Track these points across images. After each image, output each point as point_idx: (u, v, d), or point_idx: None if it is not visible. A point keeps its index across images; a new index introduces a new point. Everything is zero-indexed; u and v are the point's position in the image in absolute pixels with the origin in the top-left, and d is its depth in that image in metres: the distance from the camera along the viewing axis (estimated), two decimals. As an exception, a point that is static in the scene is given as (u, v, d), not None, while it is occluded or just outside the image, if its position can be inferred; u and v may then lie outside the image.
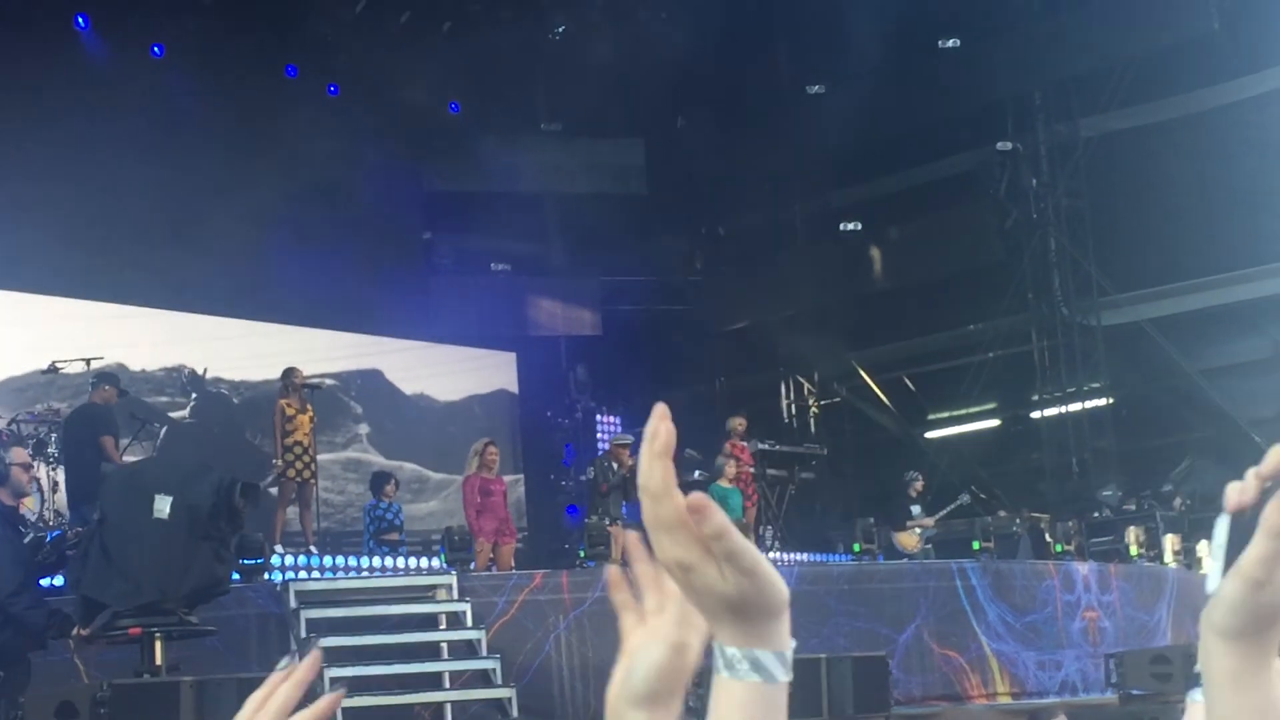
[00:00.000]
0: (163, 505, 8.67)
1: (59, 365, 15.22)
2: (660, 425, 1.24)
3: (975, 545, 16.31)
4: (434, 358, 21.24)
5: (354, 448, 20.11)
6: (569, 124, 21.42)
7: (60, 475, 13.39)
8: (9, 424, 13.94)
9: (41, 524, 12.47)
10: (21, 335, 16.73)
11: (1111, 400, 21.03)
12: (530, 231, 21.58)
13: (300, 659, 1.55)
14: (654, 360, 22.41)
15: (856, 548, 15.75)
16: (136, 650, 8.77)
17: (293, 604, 11.16)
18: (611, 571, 1.45)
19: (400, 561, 14.15)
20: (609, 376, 22.37)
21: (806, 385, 24.09)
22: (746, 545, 1.21)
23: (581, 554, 14.31)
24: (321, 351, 18.96)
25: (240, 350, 18.94)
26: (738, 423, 17.21)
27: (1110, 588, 15.71)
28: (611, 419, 22.14)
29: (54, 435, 13.67)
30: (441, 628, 11.87)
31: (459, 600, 11.83)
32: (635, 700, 1.34)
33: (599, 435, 21.70)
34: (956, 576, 14.37)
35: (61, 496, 13.29)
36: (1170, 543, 17.60)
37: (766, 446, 18.87)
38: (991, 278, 20.77)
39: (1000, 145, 20.86)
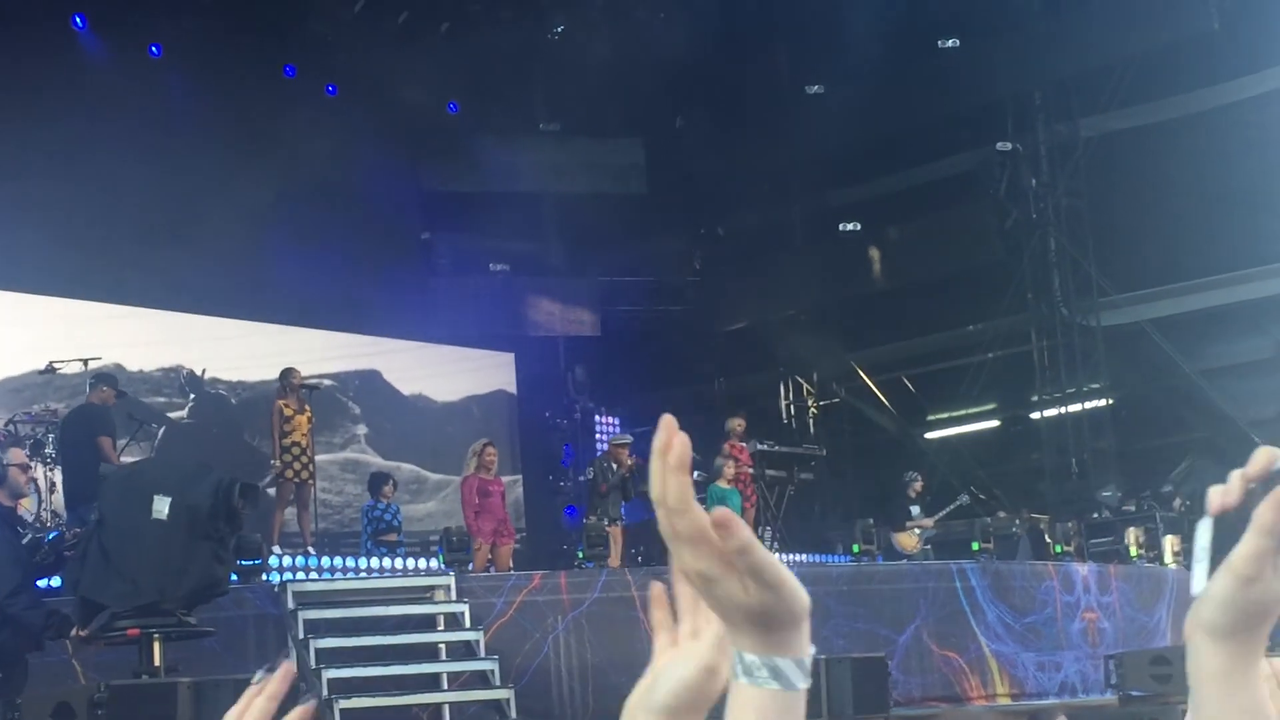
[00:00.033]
0: (161, 506, 8.66)
1: (56, 365, 15.19)
2: (673, 438, 1.22)
3: (975, 546, 16.27)
4: (432, 358, 21.21)
5: (352, 448, 20.09)
6: (568, 124, 21.40)
7: (58, 476, 13.36)
8: (6, 424, 13.91)
9: (39, 525, 12.44)
10: (19, 335, 16.71)
11: (1111, 401, 21.01)
12: (529, 232, 21.56)
13: (285, 668, 1.54)
14: (652, 361, 22.40)
15: (856, 548, 15.72)
16: (134, 651, 8.75)
17: (290, 605, 11.13)
18: (655, 588, 1.44)
19: (398, 562, 14.14)
20: (607, 377, 22.35)
21: (805, 386, 24.06)
22: (770, 559, 1.21)
23: (580, 555, 14.28)
24: (319, 352, 18.94)
25: (238, 351, 18.92)
26: (736, 423, 17.20)
27: (1110, 589, 15.69)
28: (610, 419, 22.12)
29: (51, 436, 13.65)
30: (440, 629, 11.85)
31: (457, 601, 11.80)
32: (654, 711, 1.33)
33: (597, 436, 21.68)
34: (956, 577, 14.35)
35: (59, 497, 13.26)
36: (1170, 543, 17.58)
37: (765, 447, 18.85)
38: (991, 278, 20.75)
39: (1000, 145, 20.83)
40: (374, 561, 13.82)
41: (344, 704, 10.45)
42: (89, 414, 13.02)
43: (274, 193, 17.76)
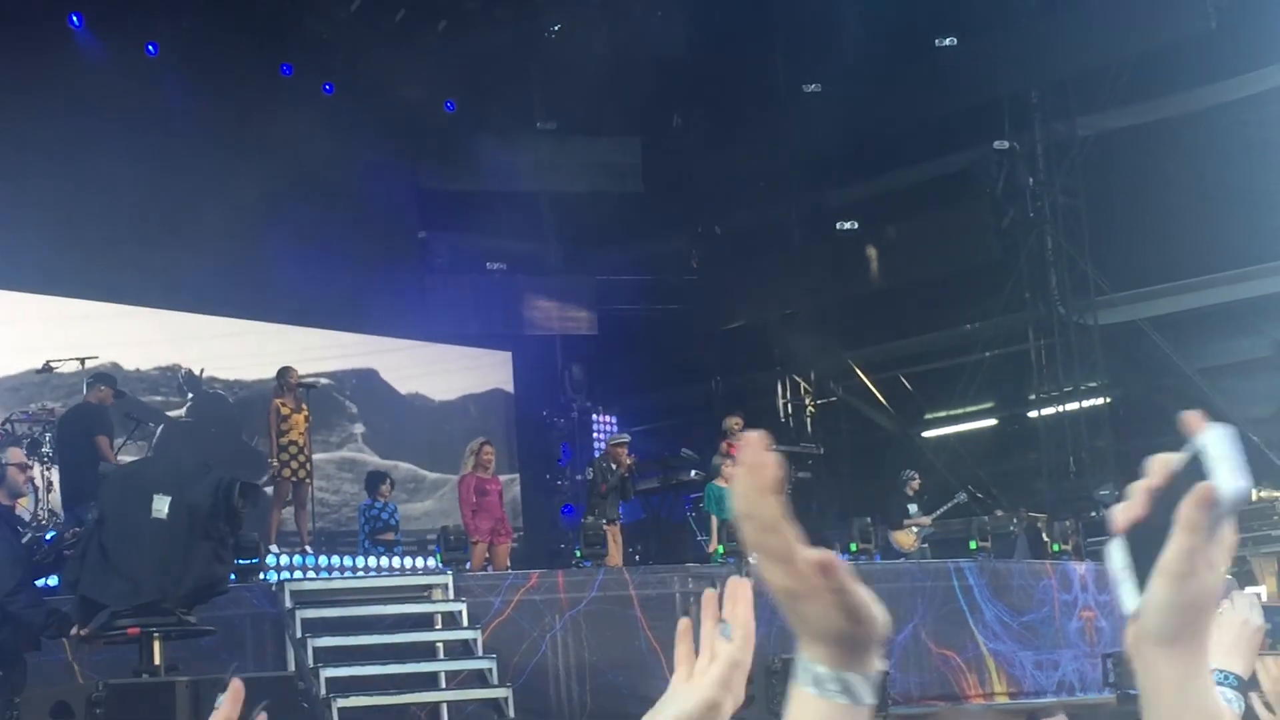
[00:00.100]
0: (161, 505, 8.65)
1: (53, 364, 15.19)
2: (765, 458, 1.24)
3: (972, 545, 16.28)
4: (429, 357, 21.20)
5: (349, 447, 20.08)
6: (565, 122, 21.39)
7: (55, 475, 13.35)
8: (3, 423, 13.89)
9: (37, 524, 12.43)
10: (15, 334, 16.70)
11: (1109, 399, 21.00)
12: (526, 230, 21.57)
13: (233, 688, 1.56)
14: (650, 359, 22.40)
15: (853, 547, 15.71)
16: (132, 650, 8.75)
17: (288, 604, 11.14)
18: (682, 624, 1.47)
19: (396, 561, 14.14)
20: (605, 376, 22.36)
21: (803, 384, 24.04)
22: (863, 598, 1.22)
23: (578, 554, 14.29)
24: (316, 351, 18.95)
25: (235, 349, 18.91)
26: (734, 422, 17.18)
27: (1107, 587, 15.66)
28: (607, 418, 22.14)
29: (49, 435, 13.64)
30: (437, 627, 11.86)
31: (455, 600, 11.81)
32: None
33: (595, 434, 21.70)
34: (954, 576, 14.36)
35: (56, 496, 13.26)
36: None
37: (763, 446, 18.81)
38: (988, 277, 20.74)
39: (997, 144, 20.81)
40: (371, 560, 13.82)
41: (342, 703, 10.45)
42: (86, 413, 13.02)
43: (271, 192, 17.76)
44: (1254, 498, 19.98)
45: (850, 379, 23.52)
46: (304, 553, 13.66)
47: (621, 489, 15.34)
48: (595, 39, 19.95)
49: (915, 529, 17.40)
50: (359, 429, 20.35)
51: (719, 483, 15.70)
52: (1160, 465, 1.32)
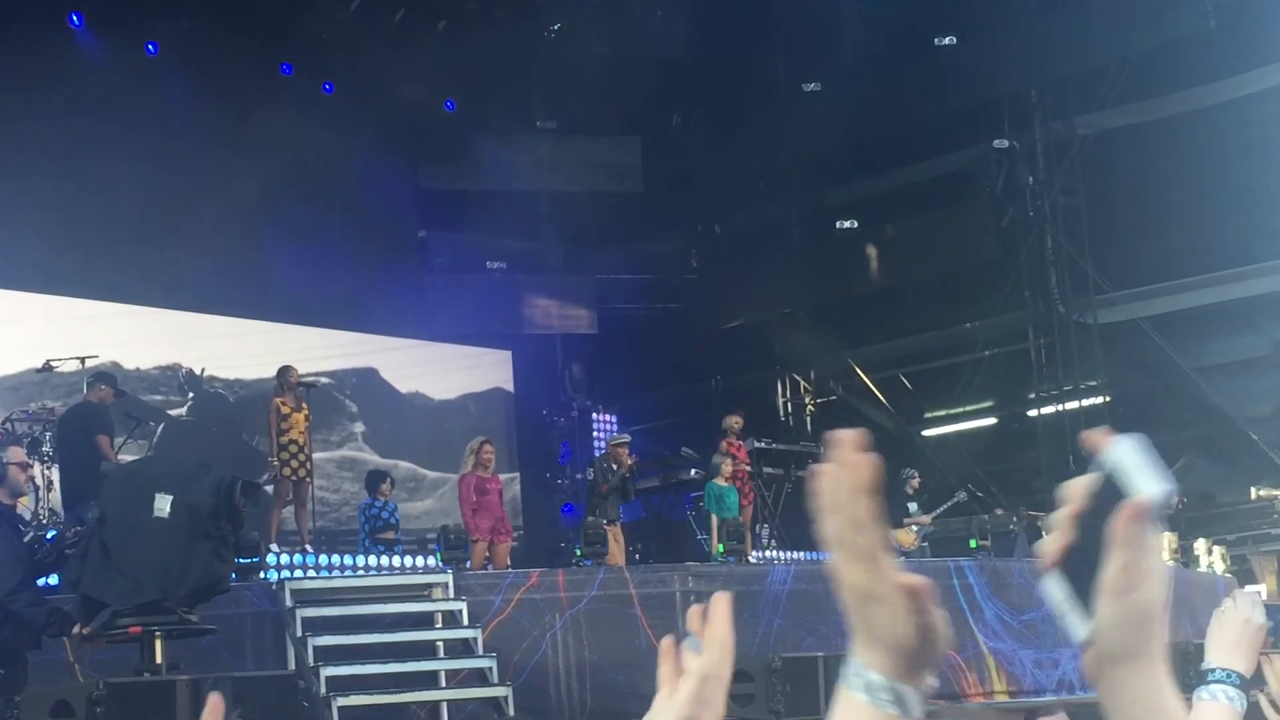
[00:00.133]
0: (163, 504, 8.66)
1: (53, 364, 15.19)
2: (863, 457, 1.23)
3: (972, 543, 16.28)
4: (429, 356, 21.21)
5: (349, 446, 20.08)
6: (565, 122, 21.39)
7: (55, 474, 13.36)
8: (3, 423, 13.90)
9: (37, 523, 12.44)
10: (15, 333, 16.70)
11: (1108, 398, 21.00)
12: (526, 230, 21.58)
13: (212, 702, 1.56)
14: (650, 359, 22.41)
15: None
16: (132, 649, 8.76)
17: (288, 603, 11.14)
18: (665, 643, 1.47)
19: (396, 560, 14.13)
20: (605, 375, 22.37)
21: (803, 383, 24.05)
22: (942, 623, 1.23)
23: (578, 553, 14.30)
24: (317, 350, 18.95)
25: (235, 349, 18.91)
26: (734, 421, 17.19)
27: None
28: (607, 417, 22.14)
29: (49, 434, 13.64)
30: (437, 626, 11.85)
31: (455, 599, 11.80)
32: None
33: (595, 433, 21.70)
34: (953, 575, 14.35)
35: (56, 495, 13.26)
36: (1167, 541, 17.58)
37: (763, 445, 18.83)
38: (988, 276, 20.75)
39: (996, 143, 20.81)
40: (371, 559, 13.81)
41: (342, 701, 10.45)
42: (86, 412, 13.02)
43: (271, 191, 17.77)
44: (1253, 496, 19.99)
45: (850, 378, 23.53)
46: (304, 551, 13.67)
47: (623, 489, 15.34)
48: (595, 38, 19.95)
49: (915, 528, 17.41)
50: (359, 428, 20.35)
51: (719, 481, 15.71)
52: (1077, 489, 1.34)
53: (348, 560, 13.66)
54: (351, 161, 19.13)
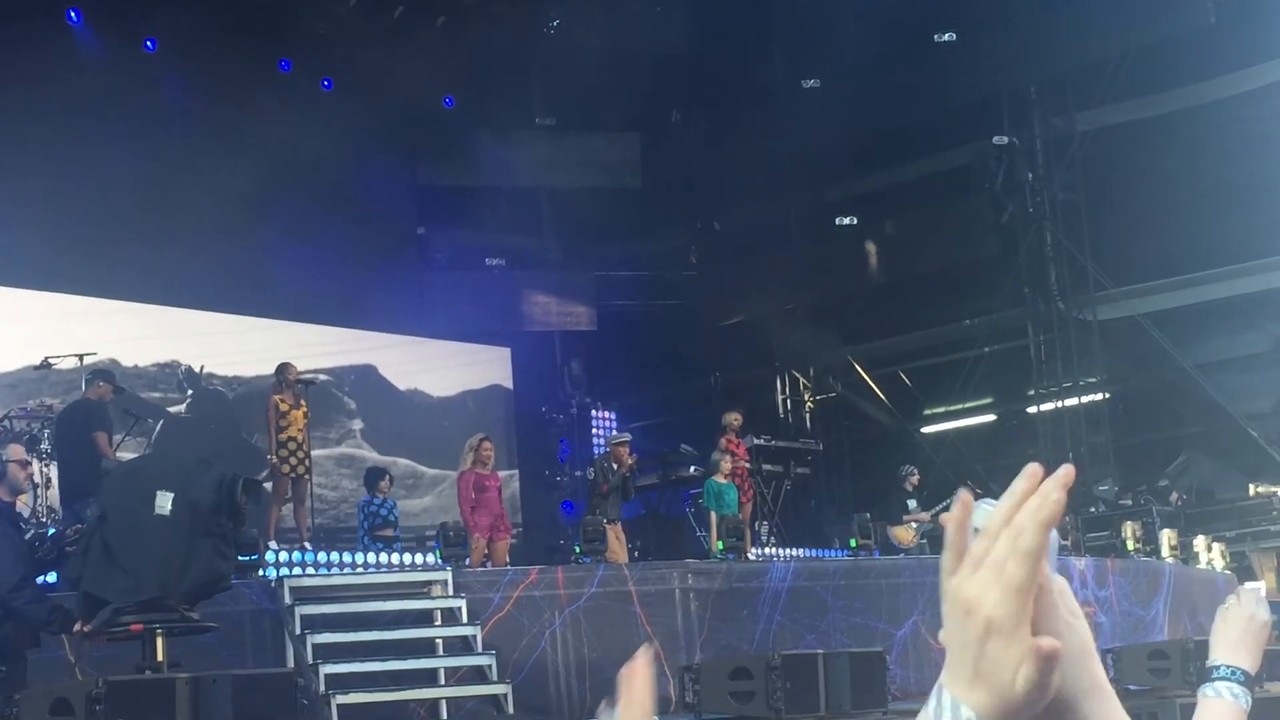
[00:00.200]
0: (164, 501, 8.64)
1: (52, 361, 15.16)
2: (1060, 495, 1.18)
3: (972, 540, 16.24)
4: (428, 353, 21.20)
5: (348, 443, 20.07)
6: (563, 118, 21.38)
7: (53, 471, 13.34)
8: (2, 419, 13.89)
9: (36, 520, 12.43)
10: (14, 331, 16.69)
11: (1108, 395, 21.02)
12: (524, 226, 21.57)
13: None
14: (649, 355, 22.40)
15: (853, 543, 15.71)
16: (131, 647, 8.74)
17: (287, 600, 11.12)
18: (636, 661, 1.47)
19: (395, 557, 14.10)
20: (604, 372, 22.36)
21: (802, 380, 24.05)
22: (1056, 681, 1.17)
23: (577, 550, 14.27)
24: (315, 347, 18.94)
25: (234, 346, 18.90)
26: (733, 418, 17.18)
27: (1107, 583, 15.69)
28: (606, 414, 22.13)
29: (47, 431, 13.62)
30: (437, 624, 11.84)
31: (454, 596, 11.79)
32: None
33: (594, 430, 21.70)
34: (953, 572, 14.33)
35: (54, 492, 13.25)
36: (1167, 537, 17.58)
37: (762, 442, 18.83)
38: (987, 272, 20.75)
39: (996, 139, 20.82)
40: (370, 556, 13.79)
41: (341, 699, 10.44)
42: (85, 409, 13.01)
43: (269, 188, 17.74)
44: (1253, 492, 19.98)
45: (849, 375, 23.53)
46: (303, 549, 13.66)
47: (623, 488, 15.32)
48: (594, 35, 19.93)
49: (914, 525, 17.40)
50: (358, 425, 20.34)
51: (718, 478, 15.69)
52: (956, 513, 1.23)
53: (346, 557, 13.63)
54: (350, 158, 19.11)
